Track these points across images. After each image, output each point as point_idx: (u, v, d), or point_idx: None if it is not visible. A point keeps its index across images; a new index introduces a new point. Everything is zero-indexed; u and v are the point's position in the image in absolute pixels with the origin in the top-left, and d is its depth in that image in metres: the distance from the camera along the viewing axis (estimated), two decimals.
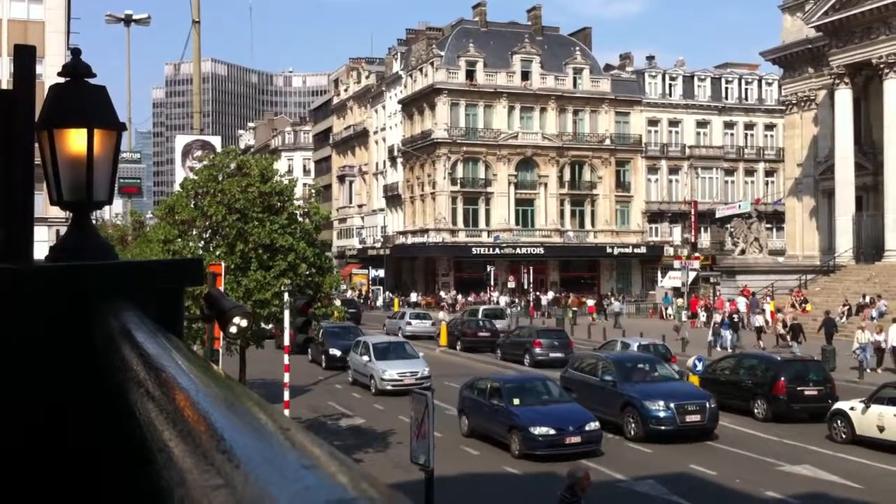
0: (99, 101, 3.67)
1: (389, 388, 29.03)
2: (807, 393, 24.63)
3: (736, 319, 42.22)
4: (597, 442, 20.65)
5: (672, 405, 21.99)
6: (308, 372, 34.16)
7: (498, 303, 62.50)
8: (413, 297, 72.84)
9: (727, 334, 39.89)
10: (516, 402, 21.53)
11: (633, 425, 22.36)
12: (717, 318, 42.47)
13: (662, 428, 21.95)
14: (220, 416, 1.20)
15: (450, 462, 18.78)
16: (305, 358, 36.77)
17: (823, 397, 24.26)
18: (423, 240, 75.54)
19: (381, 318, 57.91)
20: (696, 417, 22.28)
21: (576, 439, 20.43)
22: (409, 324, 49.16)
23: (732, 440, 22.26)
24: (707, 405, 22.41)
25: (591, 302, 62.42)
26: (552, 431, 20.30)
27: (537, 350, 36.05)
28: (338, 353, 35.67)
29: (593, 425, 20.64)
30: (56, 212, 27.92)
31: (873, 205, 52.19)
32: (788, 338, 37.59)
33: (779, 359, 27.29)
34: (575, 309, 59.78)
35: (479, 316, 47.27)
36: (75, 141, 3.67)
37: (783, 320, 39.94)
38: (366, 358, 31.02)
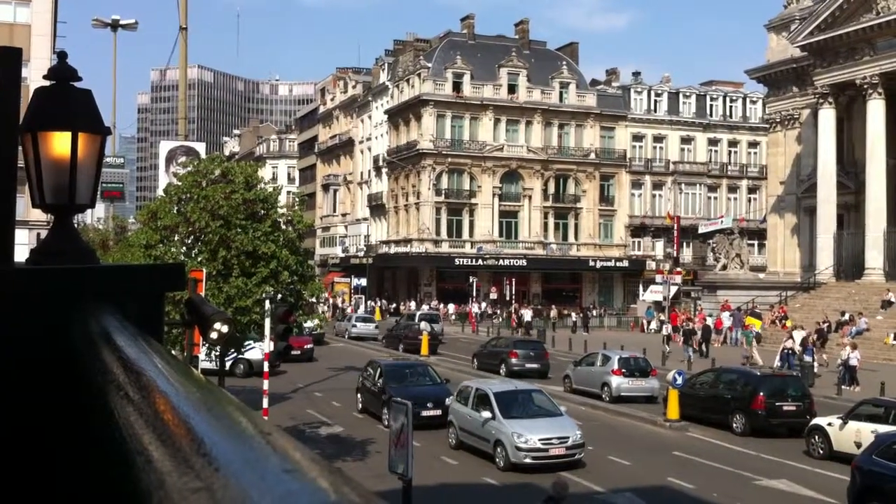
0: (84, 104, 3.66)
1: (529, 461, 20.25)
2: (785, 408, 24.75)
3: (812, 346, 37.06)
4: None
5: None
6: (287, 380, 34.02)
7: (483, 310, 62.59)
8: (451, 307, 70.57)
9: (808, 359, 35.31)
10: None
11: None
12: (789, 343, 36.83)
13: None
14: (201, 419, 1.20)
15: (428, 472, 18.75)
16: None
17: (802, 413, 24.39)
18: (406, 249, 75.50)
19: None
20: None
21: None
22: (355, 326, 54.35)
23: (711, 454, 22.32)
24: None
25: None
26: None
27: (513, 360, 36.53)
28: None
29: None
30: (38, 215, 27.76)
31: (854, 223, 52.58)
32: (679, 342, 42.76)
33: (758, 374, 27.40)
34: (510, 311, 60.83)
35: (417, 319, 51.64)
36: (59, 144, 3.65)
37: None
38: (486, 414, 21.56)
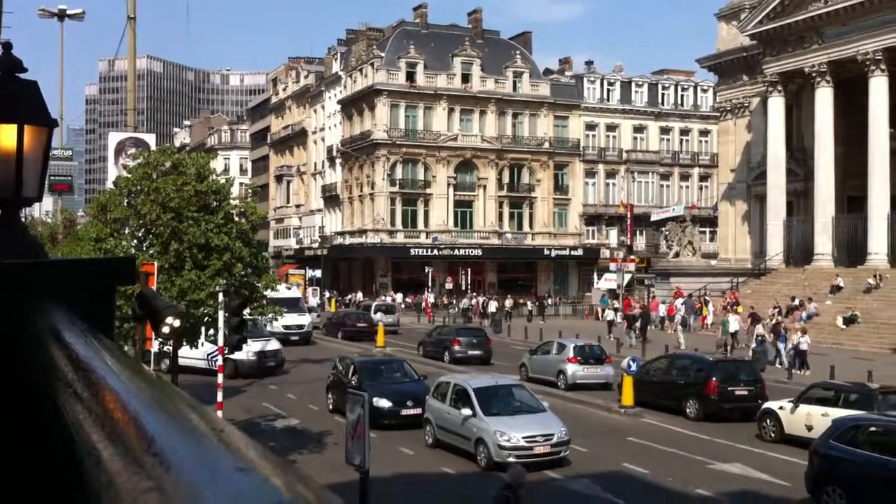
0: (30, 96, 3.60)
1: (512, 460, 18.34)
2: (737, 393, 25.10)
3: (785, 332, 35.97)
4: None
5: None
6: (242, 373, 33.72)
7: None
8: (399, 297, 70.35)
9: (783, 348, 34.88)
10: None
11: None
12: (760, 329, 36.22)
13: None
14: (151, 417, 1.18)
15: (385, 463, 18.75)
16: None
17: (754, 397, 24.74)
18: (361, 240, 75.34)
19: None
20: None
21: None
22: None
23: (665, 439, 22.57)
24: None
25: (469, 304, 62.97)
26: None
27: (456, 348, 37.40)
28: (386, 404, 23.23)
29: None
30: None
31: (804, 210, 53.40)
32: (625, 327, 44.38)
33: (711, 359, 27.75)
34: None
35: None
36: (5, 137, 3.59)
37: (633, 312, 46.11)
38: (465, 411, 20.30)
